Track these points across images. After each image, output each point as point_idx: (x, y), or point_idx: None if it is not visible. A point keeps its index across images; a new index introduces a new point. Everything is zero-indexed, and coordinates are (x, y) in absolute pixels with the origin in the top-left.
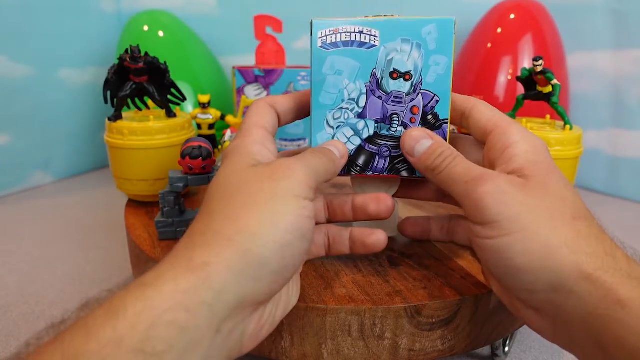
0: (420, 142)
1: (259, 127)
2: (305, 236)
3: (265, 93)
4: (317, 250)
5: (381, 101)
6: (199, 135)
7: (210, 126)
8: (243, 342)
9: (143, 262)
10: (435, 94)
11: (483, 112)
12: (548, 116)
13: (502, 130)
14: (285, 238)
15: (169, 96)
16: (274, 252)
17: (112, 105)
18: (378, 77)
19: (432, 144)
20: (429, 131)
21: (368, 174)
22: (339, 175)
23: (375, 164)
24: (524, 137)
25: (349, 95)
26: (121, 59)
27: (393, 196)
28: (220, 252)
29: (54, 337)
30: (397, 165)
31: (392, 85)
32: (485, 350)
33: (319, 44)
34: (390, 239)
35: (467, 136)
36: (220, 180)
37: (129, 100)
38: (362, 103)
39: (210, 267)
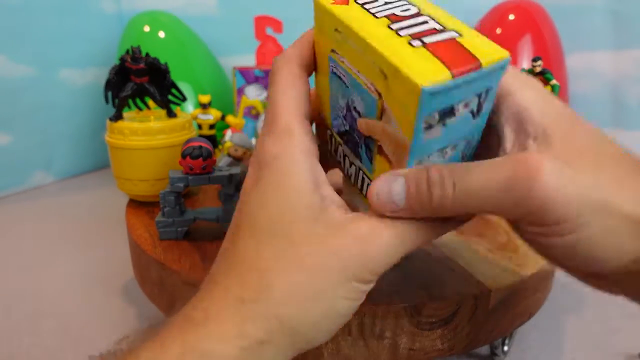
0: (391, 185)
1: (301, 119)
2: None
3: (265, 93)
4: None
5: None
6: (200, 136)
7: (211, 126)
8: None
9: (144, 262)
10: None
11: None
12: None
13: (512, 99)
14: (336, 328)
15: (169, 96)
16: (323, 338)
17: (113, 106)
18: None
19: (405, 177)
20: (391, 171)
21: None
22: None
23: None
24: (521, 82)
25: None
26: (122, 59)
27: None
28: (271, 333)
29: None
30: None
31: None
32: (485, 350)
33: None
34: None
35: None
36: (259, 215)
37: (130, 101)
38: None
39: (263, 346)
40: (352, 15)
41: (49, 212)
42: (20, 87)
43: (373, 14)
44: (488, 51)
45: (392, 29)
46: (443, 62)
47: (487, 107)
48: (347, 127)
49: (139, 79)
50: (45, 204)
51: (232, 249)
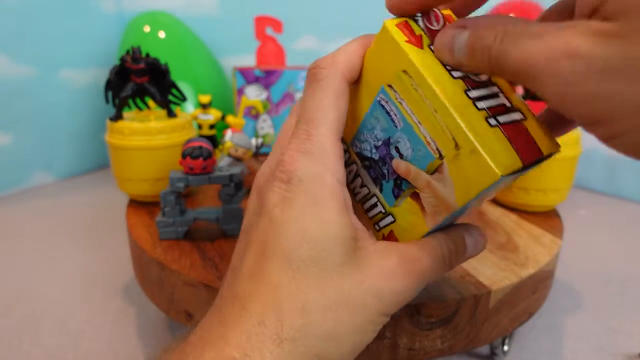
0: (456, 36)
1: (339, 143)
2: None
3: (265, 93)
4: None
5: None
6: (200, 136)
7: (211, 126)
8: None
9: (144, 262)
10: None
11: None
12: None
13: None
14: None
15: (169, 96)
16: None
17: (113, 106)
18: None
19: (470, 31)
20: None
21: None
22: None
23: None
24: None
25: None
26: (122, 59)
27: None
28: None
29: None
30: None
31: None
32: (485, 350)
33: None
34: None
35: None
36: (296, 243)
37: (130, 101)
38: None
39: None
40: (428, 65)
41: (49, 211)
42: (21, 87)
43: (449, 71)
44: (547, 144)
45: (469, 97)
46: (516, 150)
47: None
48: (376, 157)
49: (139, 79)
50: (45, 203)
51: (261, 273)
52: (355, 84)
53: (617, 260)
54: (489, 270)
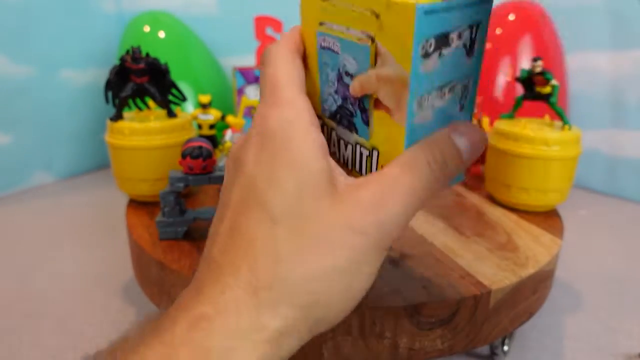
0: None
1: (302, 92)
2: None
3: None
4: None
5: None
6: (200, 136)
7: (211, 126)
8: None
9: (144, 262)
10: None
11: None
12: (547, 116)
13: None
14: (355, 305)
15: (169, 96)
16: (342, 318)
17: (113, 106)
18: None
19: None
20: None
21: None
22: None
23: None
24: None
25: None
26: (122, 59)
27: None
28: (292, 322)
29: None
30: None
31: None
32: (485, 350)
33: None
34: None
35: None
36: (270, 192)
37: (130, 101)
38: None
39: (284, 336)
40: None
41: (49, 211)
42: (21, 87)
43: None
44: None
45: None
46: None
47: (479, 48)
48: (340, 102)
49: (139, 79)
50: (45, 203)
51: (237, 228)
52: (307, 70)
53: (617, 260)
54: (489, 270)
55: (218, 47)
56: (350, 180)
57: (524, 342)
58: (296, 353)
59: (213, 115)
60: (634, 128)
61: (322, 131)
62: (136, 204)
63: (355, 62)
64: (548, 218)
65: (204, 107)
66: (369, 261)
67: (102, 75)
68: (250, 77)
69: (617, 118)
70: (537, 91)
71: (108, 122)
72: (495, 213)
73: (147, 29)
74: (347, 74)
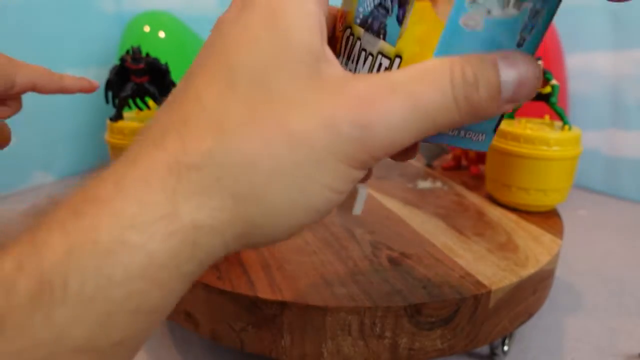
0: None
1: None
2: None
3: None
4: None
5: None
6: None
7: None
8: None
9: None
10: None
11: None
12: (547, 116)
13: None
14: (301, 226)
15: None
16: (279, 236)
17: (113, 106)
18: None
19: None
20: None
21: None
22: None
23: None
24: None
25: None
26: (122, 59)
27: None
28: (216, 214)
29: None
30: None
31: None
32: (485, 350)
33: None
34: (391, 239)
35: None
36: (237, 52)
37: (130, 101)
38: None
39: (202, 231)
40: None
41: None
42: None
43: None
44: None
45: None
46: None
47: None
48: (377, 1)
49: (139, 79)
50: (45, 204)
51: (185, 90)
52: None
53: (617, 260)
54: (489, 270)
55: None
56: (343, 73)
57: (524, 342)
58: (295, 353)
59: None
60: (634, 128)
61: (344, 43)
62: None
63: None
64: (548, 218)
65: None
66: (333, 170)
67: (102, 75)
68: None
69: (617, 118)
70: (537, 91)
71: (108, 122)
72: (495, 213)
73: (147, 28)
74: None
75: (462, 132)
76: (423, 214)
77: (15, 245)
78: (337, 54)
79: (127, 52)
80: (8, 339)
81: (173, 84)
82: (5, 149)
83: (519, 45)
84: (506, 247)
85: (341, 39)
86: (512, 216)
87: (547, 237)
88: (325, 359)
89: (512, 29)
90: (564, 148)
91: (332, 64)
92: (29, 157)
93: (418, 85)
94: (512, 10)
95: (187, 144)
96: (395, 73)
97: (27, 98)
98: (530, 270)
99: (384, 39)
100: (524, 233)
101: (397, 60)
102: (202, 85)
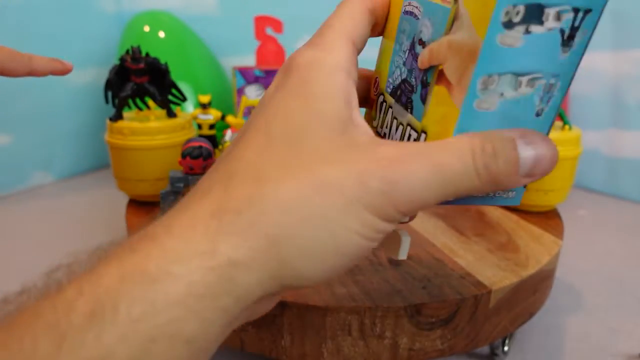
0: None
1: (349, 42)
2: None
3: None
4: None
5: None
6: (200, 136)
7: (211, 126)
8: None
9: None
10: None
11: None
12: None
13: None
14: (334, 271)
15: (169, 96)
16: (314, 278)
17: (113, 106)
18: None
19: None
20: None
21: None
22: None
23: None
24: None
25: None
26: (122, 59)
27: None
28: (251, 253)
29: (8, 325)
30: None
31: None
32: (485, 350)
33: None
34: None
35: None
36: (274, 119)
37: (130, 101)
38: None
39: (238, 268)
40: None
41: (48, 212)
42: (20, 87)
43: None
44: None
45: None
46: None
47: (580, 43)
48: (405, 75)
49: (139, 79)
50: (44, 203)
51: (227, 156)
52: (385, 37)
53: (617, 260)
54: (489, 270)
55: (218, 47)
56: (372, 136)
57: (524, 342)
58: (296, 353)
59: (213, 115)
60: (634, 128)
61: (378, 108)
62: (136, 204)
63: (432, 26)
64: (548, 218)
65: (204, 107)
66: (361, 218)
67: (101, 74)
68: (250, 77)
69: (617, 118)
70: None
71: (108, 122)
72: (496, 213)
73: (147, 28)
74: (421, 42)
75: (491, 193)
76: (423, 214)
77: (79, 277)
78: (372, 117)
79: (127, 52)
80: (64, 353)
81: (173, 84)
82: (5, 149)
83: (538, 115)
84: (506, 247)
85: (376, 102)
86: (513, 216)
87: (547, 237)
88: (325, 359)
89: (528, 104)
90: (564, 148)
91: (361, 128)
92: (28, 157)
93: (441, 153)
94: (525, 90)
95: (230, 193)
96: (422, 142)
97: (27, 98)
98: (530, 270)
99: (411, 112)
100: (524, 233)
101: (423, 135)
102: (244, 147)
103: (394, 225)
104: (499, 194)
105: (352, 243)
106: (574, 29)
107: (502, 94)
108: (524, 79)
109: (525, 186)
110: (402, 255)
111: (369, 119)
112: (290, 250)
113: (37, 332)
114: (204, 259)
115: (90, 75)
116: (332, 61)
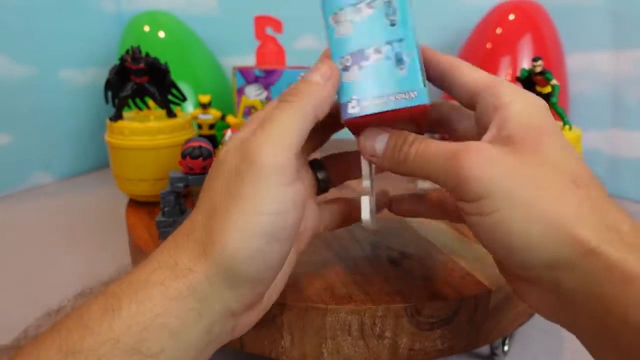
0: (377, 138)
1: (294, 156)
2: (281, 238)
3: (265, 93)
4: (327, 225)
5: None
6: (200, 136)
7: (211, 126)
8: (235, 333)
9: None
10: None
11: (466, 74)
12: None
13: (491, 91)
14: (254, 246)
15: (169, 96)
16: (245, 262)
17: (113, 106)
18: None
19: (390, 134)
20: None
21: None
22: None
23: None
24: (518, 96)
25: None
26: (122, 59)
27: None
28: (198, 263)
29: (51, 327)
30: None
31: None
32: (485, 350)
33: None
34: (391, 239)
35: (456, 104)
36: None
37: (130, 101)
38: None
39: (193, 276)
40: None
41: (49, 212)
42: (20, 87)
43: None
44: None
45: None
46: None
47: None
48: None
49: (138, 79)
50: (45, 204)
51: (187, 220)
52: None
53: None
54: (489, 270)
55: (218, 47)
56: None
57: (524, 342)
58: (296, 353)
59: (213, 115)
60: (634, 128)
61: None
62: (136, 204)
63: None
64: None
65: (204, 107)
66: (261, 201)
67: (102, 75)
68: (250, 77)
69: (617, 118)
70: (538, 91)
71: (108, 122)
72: None
73: (147, 28)
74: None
75: (392, 97)
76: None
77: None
78: None
79: (127, 52)
80: (91, 334)
81: (173, 84)
82: (5, 149)
83: (393, 24)
84: None
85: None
86: None
87: None
88: (325, 359)
89: (378, 20)
90: None
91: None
92: (28, 157)
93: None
94: (368, 11)
95: (193, 227)
96: None
97: (27, 98)
98: None
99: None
100: None
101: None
102: (195, 212)
103: (293, 176)
104: (400, 95)
105: (261, 220)
106: None
107: (352, 21)
108: (362, 5)
109: (425, 84)
110: (365, 215)
111: None
112: (216, 253)
113: (70, 326)
114: (171, 269)
115: (90, 75)
116: (274, 181)
